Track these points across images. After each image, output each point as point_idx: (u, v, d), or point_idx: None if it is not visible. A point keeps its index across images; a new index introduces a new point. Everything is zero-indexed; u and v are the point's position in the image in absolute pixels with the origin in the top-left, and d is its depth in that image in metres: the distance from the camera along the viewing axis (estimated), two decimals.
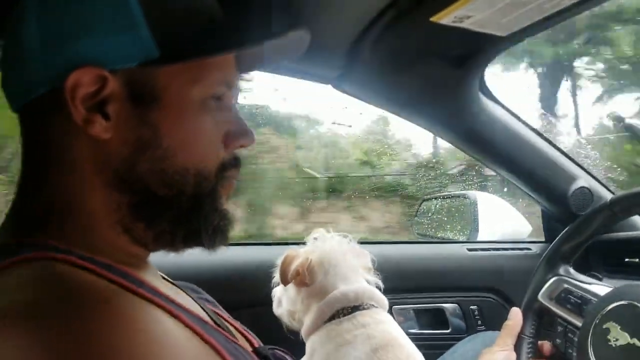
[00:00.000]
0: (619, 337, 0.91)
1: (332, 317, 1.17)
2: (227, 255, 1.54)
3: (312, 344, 1.17)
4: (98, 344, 0.43)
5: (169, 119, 0.62)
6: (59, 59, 0.59)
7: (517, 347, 1.10)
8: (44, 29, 0.59)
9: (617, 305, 0.95)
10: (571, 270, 1.18)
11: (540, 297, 1.16)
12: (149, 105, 0.62)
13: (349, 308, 1.16)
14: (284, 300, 1.30)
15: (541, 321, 1.15)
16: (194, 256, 1.45)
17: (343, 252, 1.26)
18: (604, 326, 0.94)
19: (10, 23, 0.63)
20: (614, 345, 0.91)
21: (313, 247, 1.27)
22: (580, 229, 1.21)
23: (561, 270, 1.18)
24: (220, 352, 0.58)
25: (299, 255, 1.23)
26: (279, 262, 1.24)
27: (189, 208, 0.65)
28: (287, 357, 0.78)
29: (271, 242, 1.91)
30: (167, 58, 0.60)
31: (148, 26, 0.59)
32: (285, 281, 1.22)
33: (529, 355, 1.11)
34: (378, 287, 1.27)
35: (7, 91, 0.66)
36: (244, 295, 1.57)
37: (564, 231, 1.22)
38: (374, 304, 1.20)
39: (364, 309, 1.17)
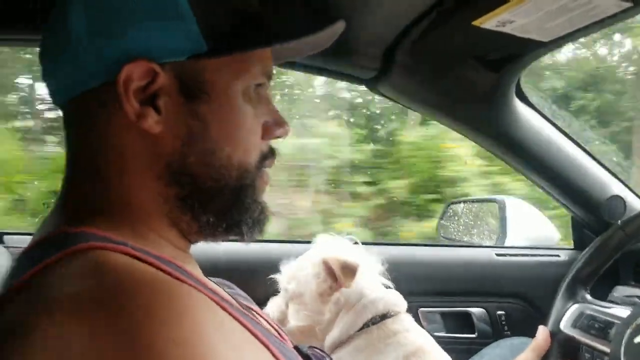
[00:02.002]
0: None
1: (362, 327, 1.17)
2: (256, 251, 1.55)
3: (343, 356, 1.16)
4: (162, 336, 0.44)
5: (216, 111, 0.63)
6: (110, 52, 0.59)
7: None
8: (92, 21, 0.59)
9: None
10: (588, 296, 1.17)
11: (562, 326, 1.14)
12: (197, 99, 0.62)
13: (378, 317, 1.16)
14: (293, 316, 1.26)
15: (565, 351, 1.13)
16: (224, 251, 1.49)
17: (361, 257, 1.26)
18: (636, 341, 0.93)
19: (54, 16, 0.64)
20: None
21: (332, 250, 1.26)
22: (596, 254, 1.19)
23: (580, 297, 1.17)
24: (269, 347, 0.58)
25: (345, 254, 1.22)
26: (310, 265, 1.23)
27: (232, 200, 0.66)
28: (325, 357, 0.78)
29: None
30: (214, 51, 0.61)
31: (195, 19, 0.60)
32: (349, 284, 1.19)
33: None
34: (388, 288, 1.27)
35: (50, 84, 0.66)
36: (269, 292, 1.57)
37: (579, 257, 1.21)
38: (398, 309, 1.20)
39: (391, 316, 1.16)
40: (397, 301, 1.22)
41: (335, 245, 1.29)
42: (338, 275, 1.17)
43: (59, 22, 0.62)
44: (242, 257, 1.53)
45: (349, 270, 1.18)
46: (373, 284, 1.23)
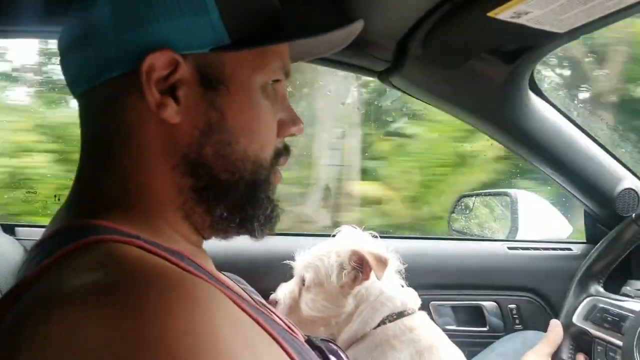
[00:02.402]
0: None
1: (378, 324, 1.17)
2: (263, 245, 1.54)
3: (357, 353, 1.16)
4: (175, 329, 0.44)
5: (234, 104, 0.63)
6: (133, 42, 0.59)
7: None
8: (117, 11, 0.60)
9: None
10: (602, 289, 1.16)
11: (575, 320, 1.14)
12: (217, 90, 0.62)
13: (395, 314, 1.16)
14: (308, 305, 1.25)
15: (578, 344, 1.13)
16: (230, 245, 1.48)
17: (383, 251, 1.25)
18: None
19: (78, 5, 0.64)
20: None
21: (357, 242, 1.26)
22: (608, 248, 1.19)
23: (593, 291, 1.16)
24: (277, 339, 0.58)
25: (370, 244, 1.22)
26: (345, 254, 1.22)
27: (246, 194, 0.66)
28: (338, 350, 0.78)
29: (309, 233, 1.89)
30: (236, 44, 0.61)
31: (219, 13, 0.60)
32: (382, 275, 1.17)
33: None
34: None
35: (69, 73, 0.66)
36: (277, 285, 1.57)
37: (593, 250, 1.20)
38: (414, 307, 1.21)
39: (408, 314, 1.16)
40: (413, 299, 1.22)
41: (358, 238, 1.28)
42: (373, 266, 1.16)
43: (83, 11, 0.62)
44: (243, 250, 1.53)
45: (382, 263, 1.18)
46: (391, 281, 1.22)
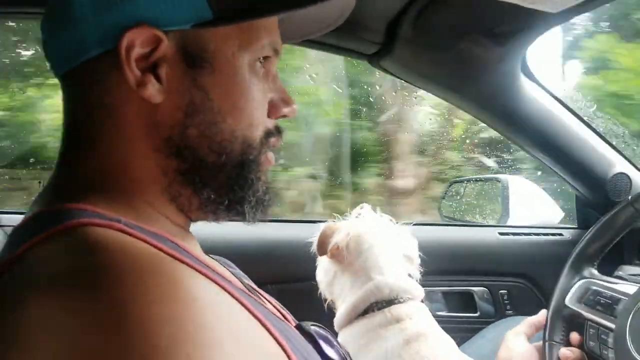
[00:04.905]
0: None
1: (366, 311, 1.15)
2: (254, 232, 1.54)
3: (345, 338, 1.15)
4: (154, 314, 0.42)
5: (220, 82, 0.61)
6: (112, 20, 0.57)
7: (549, 354, 1.09)
8: None
9: None
10: (595, 272, 1.15)
11: (568, 302, 1.13)
12: (201, 69, 0.60)
13: (384, 302, 1.14)
14: (318, 269, 1.29)
15: (570, 326, 1.12)
16: (223, 231, 1.48)
17: (384, 236, 1.23)
18: None
19: None
20: None
21: (354, 224, 1.24)
22: (604, 230, 1.17)
23: (586, 273, 1.16)
24: (265, 324, 0.57)
25: (340, 229, 1.21)
26: (317, 233, 1.22)
27: (235, 175, 0.65)
28: (328, 335, 0.77)
29: (299, 219, 1.89)
30: (220, 20, 0.59)
31: None
32: (322, 252, 1.20)
33: None
34: (412, 277, 1.24)
35: (51, 55, 0.64)
36: (270, 271, 1.56)
37: (587, 233, 1.19)
38: (409, 296, 1.17)
39: (398, 302, 1.14)
40: (409, 288, 1.18)
41: (367, 221, 1.26)
42: (331, 248, 1.19)
43: None
44: (239, 237, 1.52)
45: (321, 245, 1.21)
46: (388, 268, 1.20)
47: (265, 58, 0.66)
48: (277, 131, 0.70)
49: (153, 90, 0.58)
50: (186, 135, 0.61)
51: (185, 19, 0.58)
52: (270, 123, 0.68)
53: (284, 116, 0.70)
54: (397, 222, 1.30)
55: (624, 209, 1.15)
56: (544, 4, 0.99)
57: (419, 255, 1.29)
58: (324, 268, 1.26)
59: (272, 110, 0.68)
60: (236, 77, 0.63)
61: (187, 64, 0.60)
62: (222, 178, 0.64)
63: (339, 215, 1.30)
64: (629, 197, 1.15)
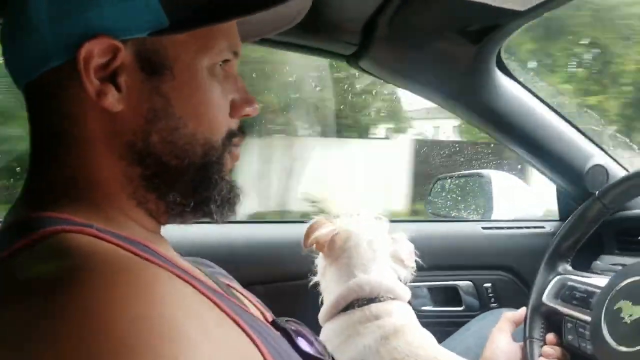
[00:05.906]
0: (632, 312, 0.92)
1: (347, 308, 1.16)
2: (242, 233, 1.55)
3: (327, 333, 1.17)
4: (123, 314, 0.43)
5: (180, 88, 0.62)
6: (69, 31, 0.58)
7: (529, 351, 1.11)
8: (52, 1, 0.58)
9: (627, 283, 0.96)
10: (570, 268, 1.18)
11: (545, 299, 1.15)
12: (160, 76, 0.61)
13: (364, 300, 1.16)
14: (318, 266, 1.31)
15: (549, 323, 1.15)
16: (210, 233, 1.49)
17: (373, 236, 1.24)
18: (615, 307, 0.95)
19: None
20: (628, 322, 0.91)
21: (344, 222, 1.26)
22: (574, 226, 1.19)
23: (561, 269, 1.18)
24: (238, 322, 0.58)
25: (326, 224, 1.22)
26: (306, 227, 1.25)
27: (198, 177, 0.66)
28: (302, 330, 0.78)
29: (288, 220, 1.90)
30: (176, 27, 0.60)
31: None
32: (305, 244, 1.22)
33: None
34: (401, 278, 1.25)
35: (11, 68, 0.65)
36: (257, 272, 1.57)
37: (559, 230, 1.22)
38: (392, 296, 1.18)
39: (379, 301, 1.16)
40: (392, 288, 1.19)
41: (358, 220, 1.28)
42: (311, 240, 1.21)
43: (17, 5, 0.61)
44: (224, 238, 1.53)
45: (305, 238, 1.22)
46: (373, 267, 1.20)
47: (225, 61, 0.67)
48: (240, 130, 0.71)
49: (113, 100, 0.59)
50: (149, 142, 0.62)
51: (142, 28, 0.59)
52: (233, 123, 0.69)
53: (247, 115, 0.71)
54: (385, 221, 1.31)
55: (592, 205, 1.17)
56: (512, 2, 1.01)
57: (415, 260, 1.30)
58: (318, 263, 1.28)
59: (234, 110, 0.69)
60: (196, 82, 0.63)
61: (146, 72, 0.61)
62: (186, 181, 0.65)
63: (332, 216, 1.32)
64: (596, 193, 1.17)
